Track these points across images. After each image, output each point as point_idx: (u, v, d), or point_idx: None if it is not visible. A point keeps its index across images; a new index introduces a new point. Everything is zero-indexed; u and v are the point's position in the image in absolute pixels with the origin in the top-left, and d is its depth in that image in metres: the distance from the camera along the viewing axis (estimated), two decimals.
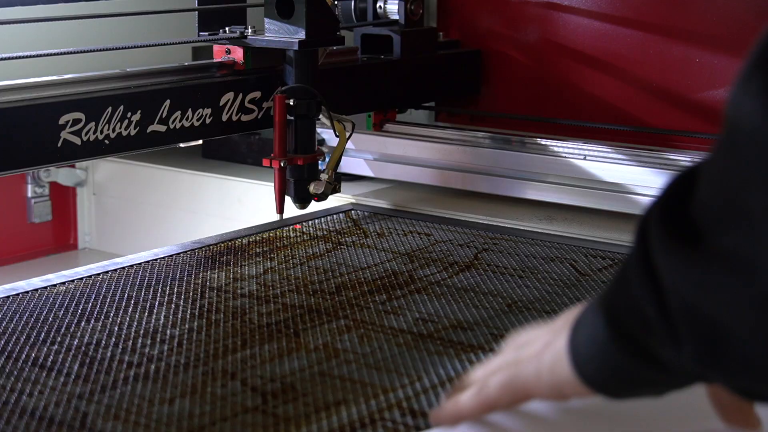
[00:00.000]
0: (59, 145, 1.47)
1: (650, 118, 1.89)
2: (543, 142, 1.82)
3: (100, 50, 1.63)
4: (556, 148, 1.79)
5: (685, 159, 1.72)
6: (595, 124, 1.91)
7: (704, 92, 1.85)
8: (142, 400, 1.10)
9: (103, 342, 1.25)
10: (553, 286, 1.46)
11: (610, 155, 1.75)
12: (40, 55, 1.52)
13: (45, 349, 1.23)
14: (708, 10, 1.84)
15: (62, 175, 2.12)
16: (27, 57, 1.52)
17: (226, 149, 2.09)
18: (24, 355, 1.21)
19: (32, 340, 1.25)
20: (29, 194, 2.09)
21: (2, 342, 1.25)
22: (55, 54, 1.54)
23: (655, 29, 1.90)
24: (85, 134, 1.50)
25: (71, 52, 1.57)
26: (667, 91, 1.87)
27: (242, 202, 1.96)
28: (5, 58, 1.51)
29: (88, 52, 1.60)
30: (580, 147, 1.77)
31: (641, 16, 1.90)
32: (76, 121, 1.48)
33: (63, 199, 2.15)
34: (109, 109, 1.52)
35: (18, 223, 2.10)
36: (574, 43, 1.96)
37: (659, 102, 1.88)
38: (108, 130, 1.52)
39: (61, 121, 1.47)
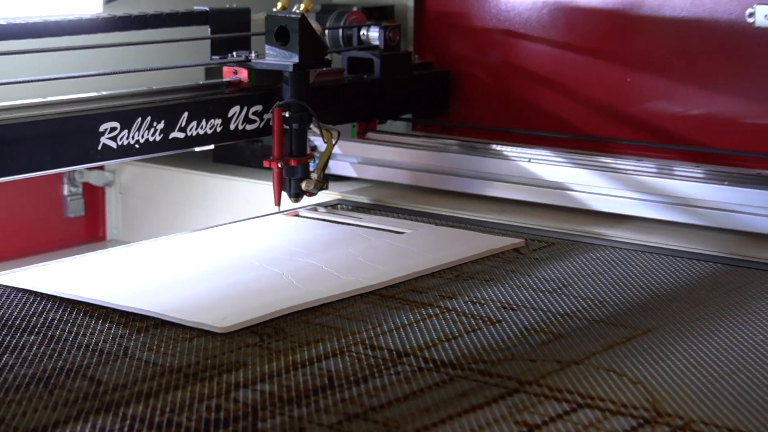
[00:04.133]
0: (99, 148, 1.83)
1: (590, 127, 2.24)
2: (498, 148, 2.17)
3: (131, 72, 1.99)
4: (507, 153, 2.15)
5: (616, 162, 2.06)
6: (543, 132, 2.26)
7: (635, 106, 2.21)
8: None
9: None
10: (498, 262, 1.81)
11: (552, 158, 2.10)
12: (82, 76, 1.89)
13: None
14: (639, 39, 2.20)
15: (93, 176, 2.46)
16: (71, 77, 1.89)
17: (233, 154, 2.43)
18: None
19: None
20: (65, 193, 2.44)
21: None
22: (94, 75, 1.90)
23: (596, 54, 2.25)
24: (120, 140, 1.85)
25: (108, 73, 1.94)
26: (605, 105, 2.23)
27: (247, 199, 2.31)
28: (54, 78, 1.87)
29: (121, 73, 1.97)
30: (526, 152, 2.12)
31: (585, 43, 2.26)
32: (112, 129, 1.84)
33: (94, 197, 2.49)
34: (139, 119, 1.87)
35: (55, 218, 2.44)
36: (529, 65, 2.32)
37: (598, 114, 2.24)
38: (138, 136, 1.88)
39: (101, 129, 1.83)
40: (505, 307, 1.60)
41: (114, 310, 1.56)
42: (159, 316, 1.53)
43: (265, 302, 1.57)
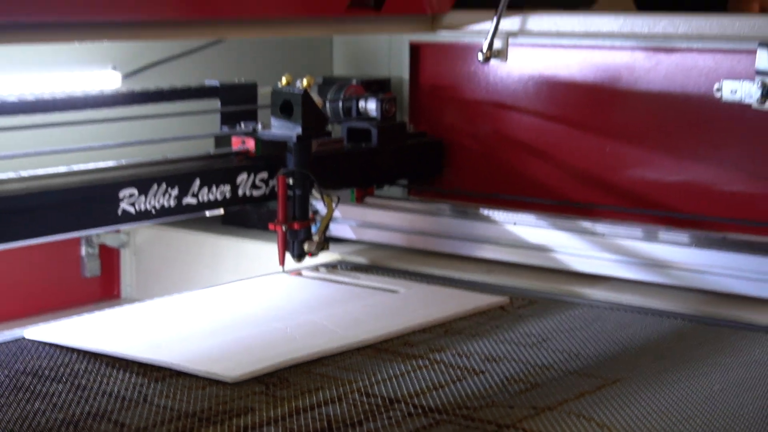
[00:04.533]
0: (119, 213, 2.00)
1: (571, 193, 2.41)
2: (486, 212, 2.34)
3: (147, 142, 2.17)
4: (494, 217, 2.32)
5: (594, 226, 2.23)
6: (528, 198, 2.43)
7: (613, 174, 2.37)
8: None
9: None
10: (484, 318, 1.97)
11: (535, 222, 2.27)
12: (104, 147, 2.07)
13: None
14: (617, 112, 2.37)
15: (110, 238, 2.63)
16: (93, 149, 2.07)
17: (240, 217, 2.59)
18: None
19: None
20: (83, 253, 2.60)
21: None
22: (114, 146, 2.08)
23: (578, 125, 2.42)
24: (138, 205, 2.02)
25: (126, 144, 2.12)
26: (585, 172, 2.40)
27: (253, 259, 2.47)
28: (77, 150, 2.05)
29: (138, 144, 2.15)
30: (512, 216, 2.29)
31: (567, 115, 2.43)
32: (131, 195, 2.01)
33: (110, 257, 2.66)
34: (155, 185, 2.05)
35: (73, 277, 2.60)
36: (516, 135, 2.49)
37: (578, 181, 2.41)
38: (154, 201, 2.05)
39: (120, 195, 2.00)
40: (488, 359, 1.76)
41: (133, 362, 1.72)
42: (174, 367, 1.69)
43: (271, 354, 1.73)
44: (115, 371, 1.69)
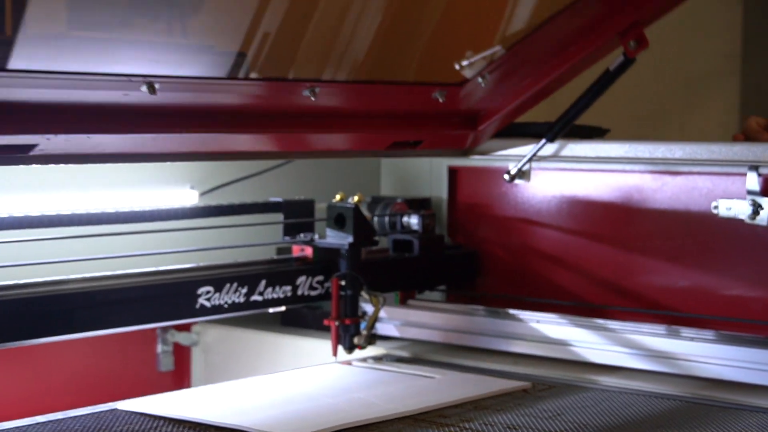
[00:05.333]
0: (197, 306, 2.36)
1: (588, 296, 2.74)
2: (513, 313, 2.67)
3: (223, 248, 2.54)
4: (521, 317, 2.65)
5: (607, 324, 2.55)
6: (551, 300, 2.76)
7: (626, 280, 2.70)
8: None
9: None
10: (509, 398, 2.29)
11: (556, 320, 2.60)
12: (187, 251, 2.44)
13: None
14: (630, 226, 2.71)
15: (182, 337, 2.97)
16: (178, 252, 2.44)
17: (298, 318, 2.93)
18: None
19: None
20: (159, 350, 2.95)
21: None
22: (194, 250, 2.46)
23: (595, 237, 2.76)
24: (213, 300, 2.38)
25: (205, 249, 2.50)
26: (601, 278, 2.73)
27: (309, 354, 2.80)
28: (164, 253, 2.42)
29: (215, 249, 2.52)
30: (536, 315, 2.62)
31: (586, 229, 2.77)
32: (207, 292, 2.37)
33: (182, 354, 2.99)
34: (228, 284, 2.40)
35: (150, 371, 2.94)
36: (540, 246, 2.83)
37: (595, 286, 2.73)
38: (227, 298, 2.40)
39: (199, 291, 2.36)
40: (510, 427, 2.08)
41: (210, 425, 2.06)
42: (245, 429, 2.02)
43: (325, 421, 2.06)
44: None
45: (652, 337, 2.47)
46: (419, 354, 2.69)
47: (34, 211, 2.20)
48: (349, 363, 2.58)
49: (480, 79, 2.69)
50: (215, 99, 2.31)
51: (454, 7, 2.58)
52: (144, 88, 2.11)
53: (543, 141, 2.75)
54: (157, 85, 2.12)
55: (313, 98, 2.40)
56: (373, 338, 2.59)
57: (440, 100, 2.66)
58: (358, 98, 2.58)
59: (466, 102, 2.76)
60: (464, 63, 2.68)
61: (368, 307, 2.63)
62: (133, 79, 2.10)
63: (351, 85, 2.54)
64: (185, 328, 2.91)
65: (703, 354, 2.39)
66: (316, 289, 2.57)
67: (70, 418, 2.12)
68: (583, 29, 2.67)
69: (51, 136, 2.04)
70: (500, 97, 2.78)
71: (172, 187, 2.83)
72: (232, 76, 2.31)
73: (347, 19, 2.42)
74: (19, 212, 2.18)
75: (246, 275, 2.45)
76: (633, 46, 2.64)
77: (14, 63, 1.92)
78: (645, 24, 2.65)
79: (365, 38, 2.47)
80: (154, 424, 2.08)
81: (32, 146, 2.04)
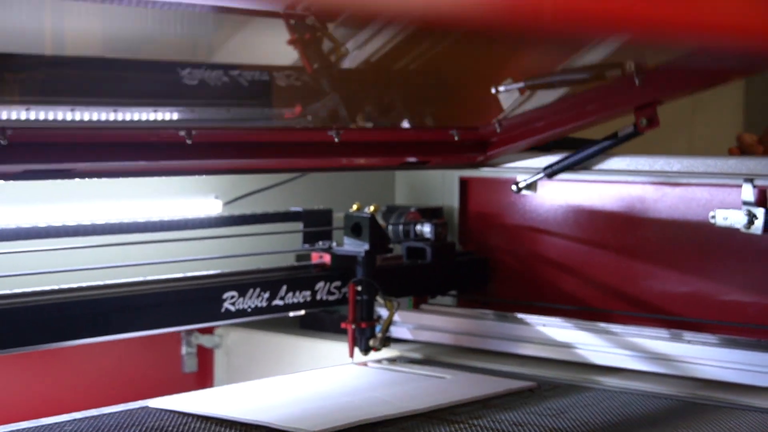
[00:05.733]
0: (222, 310, 2.50)
1: (592, 301, 2.87)
2: (521, 317, 2.81)
3: (246, 255, 2.69)
4: (528, 320, 2.78)
5: (609, 327, 2.68)
6: (555, 305, 2.89)
7: (627, 285, 2.83)
8: None
9: None
10: (515, 397, 2.43)
11: (561, 324, 2.73)
12: (212, 258, 2.58)
13: None
14: (632, 234, 2.84)
15: (205, 339, 3.11)
16: (205, 259, 2.58)
17: (316, 322, 3.06)
18: None
19: None
20: (183, 352, 3.09)
21: None
22: (220, 258, 2.60)
23: (599, 245, 2.89)
24: (237, 304, 2.52)
25: (229, 256, 2.64)
26: (604, 284, 2.87)
27: (326, 356, 2.94)
28: (192, 260, 2.57)
29: (239, 256, 2.66)
30: (543, 319, 2.76)
31: (590, 237, 2.90)
32: (232, 297, 2.51)
33: (205, 356, 3.13)
34: (251, 289, 2.55)
35: (175, 372, 3.08)
36: (547, 254, 2.97)
37: (599, 291, 2.87)
38: (250, 302, 2.55)
39: (224, 296, 2.50)
40: (516, 424, 2.22)
41: (236, 422, 2.20)
42: (269, 425, 2.17)
43: (342, 417, 2.21)
44: (223, 428, 2.17)
45: (653, 340, 2.60)
46: (431, 356, 2.83)
47: (71, 222, 2.35)
48: (364, 364, 2.72)
49: (496, 124, 2.91)
50: (249, 137, 2.58)
51: (476, 60, 2.80)
52: (182, 133, 2.36)
53: (541, 175, 2.90)
54: (194, 132, 2.36)
55: (336, 139, 2.61)
56: (387, 341, 2.72)
57: (456, 138, 2.88)
58: (377, 137, 2.82)
59: (479, 137, 2.97)
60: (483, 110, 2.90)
61: (383, 312, 2.75)
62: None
63: (372, 130, 2.80)
64: (208, 330, 3.05)
65: (701, 356, 2.52)
66: (333, 294, 2.71)
67: (105, 414, 2.26)
68: (604, 98, 2.81)
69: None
70: (513, 135, 2.95)
71: (198, 197, 2.97)
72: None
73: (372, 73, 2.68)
74: (57, 222, 2.33)
75: (268, 281, 2.58)
76: (644, 124, 2.74)
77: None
78: (660, 103, 2.74)
79: (389, 89, 2.73)
80: (184, 421, 2.22)
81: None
